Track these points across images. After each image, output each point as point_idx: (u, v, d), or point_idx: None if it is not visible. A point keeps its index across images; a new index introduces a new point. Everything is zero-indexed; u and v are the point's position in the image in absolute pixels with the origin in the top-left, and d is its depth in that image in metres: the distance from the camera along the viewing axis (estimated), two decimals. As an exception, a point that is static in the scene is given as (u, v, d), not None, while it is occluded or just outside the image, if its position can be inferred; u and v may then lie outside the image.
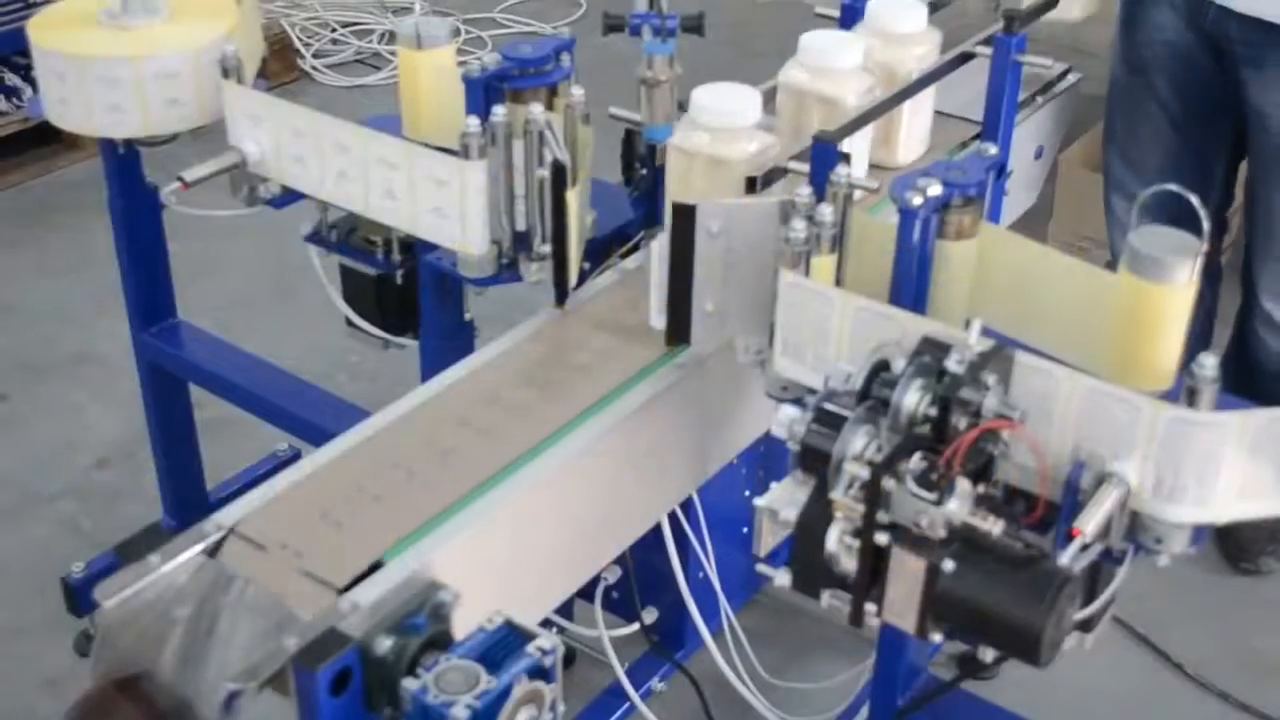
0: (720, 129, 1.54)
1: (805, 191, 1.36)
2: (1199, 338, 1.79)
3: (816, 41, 1.69)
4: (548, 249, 1.58)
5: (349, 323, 2.03)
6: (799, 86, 1.68)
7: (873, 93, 1.67)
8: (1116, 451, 1.16)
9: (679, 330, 1.46)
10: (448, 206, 1.58)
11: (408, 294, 1.92)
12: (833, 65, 1.67)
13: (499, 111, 1.55)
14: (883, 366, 1.17)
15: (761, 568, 1.20)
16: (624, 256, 1.73)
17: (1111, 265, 1.42)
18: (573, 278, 1.59)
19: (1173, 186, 1.22)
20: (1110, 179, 2.42)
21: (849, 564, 1.11)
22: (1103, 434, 1.17)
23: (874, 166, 1.80)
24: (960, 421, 1.12)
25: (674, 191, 1.56)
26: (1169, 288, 1.23)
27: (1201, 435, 1.13)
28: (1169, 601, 2.39)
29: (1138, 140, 2.35)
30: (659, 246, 1.45)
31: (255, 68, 1.95)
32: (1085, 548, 1.12)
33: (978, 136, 1.93)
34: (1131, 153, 2.37)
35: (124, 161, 2.01)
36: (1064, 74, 2.16)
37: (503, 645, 1.09)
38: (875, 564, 1.10)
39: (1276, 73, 2.13)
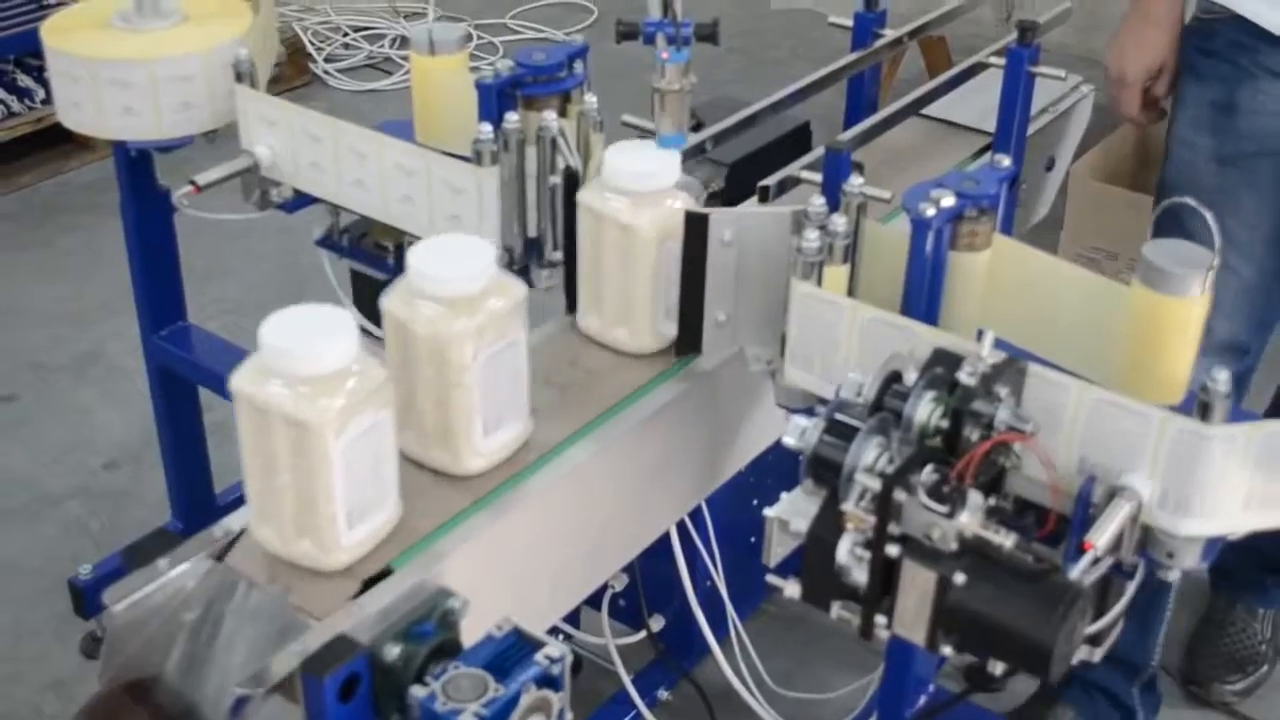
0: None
1: (818, 201, 1.36)
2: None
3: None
4: (559, 256, 1.58)
5: (359, 327, 2.03)
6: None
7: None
8: (1129, 464, 1.16)
9: (690, 339, 1.46)
10: (465, 214, 1.58)
11: (418, 299, 1.92)
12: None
13: (512, 118, 1.55)
14: (895, 378, 1.17)
15: (771, 578, 1.19)
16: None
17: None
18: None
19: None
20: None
21: (859, 576, 1.11)
22: (1115, 447, 1.17)
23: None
24: (972, 434, 1.11)
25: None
26: (1181, 300, 1.23)
27: (1214, 448, 1.12)
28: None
29: (1231, 242, 1.85)
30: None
31: (269, 70, 1.95)
32: (1096, 561, 1.12)
33: (989, 148, 1.93)
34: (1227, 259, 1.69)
35: (136, 164, 2.01)
36: (1077, 85, 2.16)
37: (511, 653, 1.09)
38: (886, 576, 1.10)
39: None
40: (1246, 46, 1.92)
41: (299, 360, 1.13)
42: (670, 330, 1.46)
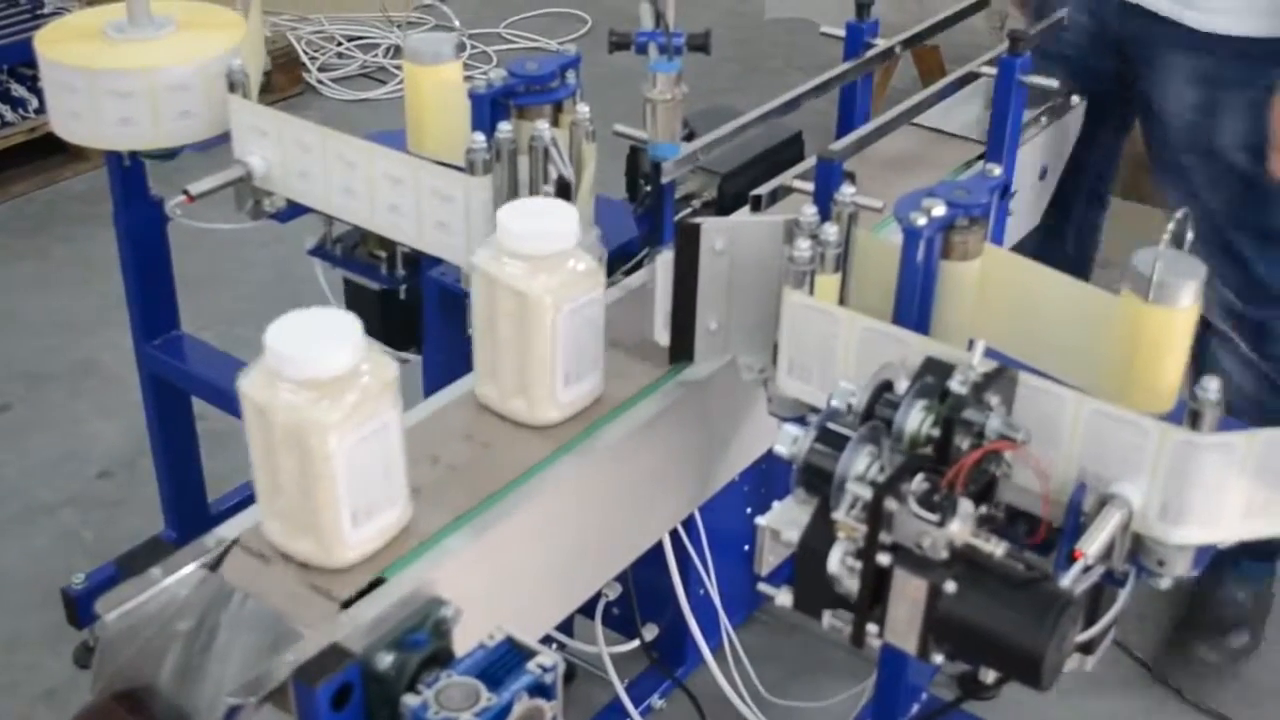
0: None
1: (810, 210, 1.37)
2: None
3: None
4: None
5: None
6: (270, 409, 1.17)
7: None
8: (1120, 473, 1.17)
9: (682, 348, 1.46)
10: (453, 222, 1.59)
11: (411, 309, 1.92)
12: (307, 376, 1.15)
13: (504, 128, 1.55)
14: (886, 387, 1.18)
15: (763, 587, 1.19)
16: (628, 273, 1.73)
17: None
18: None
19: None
20: None
21: (851, 584, 1.11)
22: (1106, 456, 1.17)
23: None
24: (963, 442, 1.12)
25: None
26: (1171, 310, 1.24)
27: (1208, 457, 1.13)
28: (1168, 624, 2.39)
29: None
30: (663, 263, 1.45)
31: (258, 80, 1.96)
32: (1087, 570, 1.13)
33: (982, 157, 1.93)
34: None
35: (129, 173, 2.01)
36: (1069, 94, 2.16)
37: (503, 662, 1.09)
38: (877, 585, 1.10)
39: (1167, 72, 2.05)
40: None
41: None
42: (570, 399, 1.39)
